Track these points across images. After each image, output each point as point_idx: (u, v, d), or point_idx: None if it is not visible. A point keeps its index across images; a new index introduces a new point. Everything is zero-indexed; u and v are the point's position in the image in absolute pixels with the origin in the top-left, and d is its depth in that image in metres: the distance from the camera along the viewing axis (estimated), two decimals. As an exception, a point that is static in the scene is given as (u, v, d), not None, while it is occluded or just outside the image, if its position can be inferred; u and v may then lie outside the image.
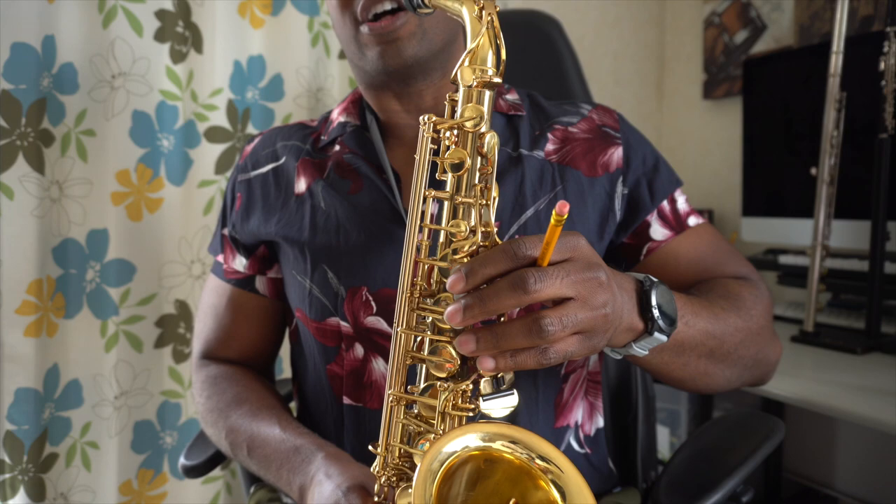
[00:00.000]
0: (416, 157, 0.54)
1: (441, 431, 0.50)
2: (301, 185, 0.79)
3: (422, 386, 0.52)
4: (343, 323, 0.73)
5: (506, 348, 0.47)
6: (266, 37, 1.32)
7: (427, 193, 0.53)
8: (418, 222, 0.53)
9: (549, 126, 0.79)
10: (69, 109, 1.11)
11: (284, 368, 1.35)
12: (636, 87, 2.05)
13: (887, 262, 1.22)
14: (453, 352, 0.50)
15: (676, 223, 0.78)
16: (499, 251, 0.47)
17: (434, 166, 0.54)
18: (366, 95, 0.82)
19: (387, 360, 0.72)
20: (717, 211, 1.89)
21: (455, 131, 0.52)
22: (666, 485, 0.77)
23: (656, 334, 0.56)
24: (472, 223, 0.51)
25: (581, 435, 0.78)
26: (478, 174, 0.52)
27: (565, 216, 0.43)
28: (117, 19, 1.14)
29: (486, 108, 0.52)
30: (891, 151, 1.18)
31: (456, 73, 0.53)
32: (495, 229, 0.51)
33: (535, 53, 1.14)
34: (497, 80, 0.52)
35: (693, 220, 0.79)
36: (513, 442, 0.47)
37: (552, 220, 0.44)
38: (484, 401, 0.49)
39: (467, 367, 0.51)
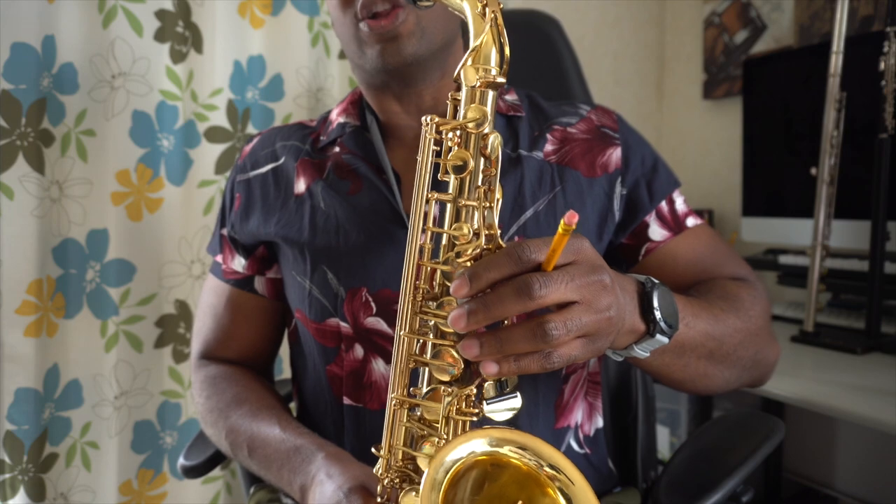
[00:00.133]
0: (419, 159, 0.53)
1: (445, 436, 0.50)
2: (300, 186, 0.79)
3: (425, 389, 0.52)
4: (343, 324, 0.73)
5: (510, 352, 0.47)
6: (266, 37, 1.32)
7: (430, 196, 0.52)
8: (421, 225, 0.53)
9: (549, 127, 0.79)
10: (69, 109, 1.11)
11: (284, 368, 1.35)
12: (636, 87, 2.05)
13: (887, 262, 1.22)
14: (456, 355, 0.49)
15: (675, 224, 0.78)
16: (503, 255, 0.47)
17: (436, 167, 0.53)
18: (366, 95, 0.82)
19: (386, 361, 0.72)
20: (717, 211, 1.89)
21: (458, 132, 0.52)
22: (666, 485, 0.77)
23: (658, 336, 0.55)
24: (476, 226, 0.50)
25: (581, 435, 0.78)
26: (481, 176, 0.51)
27: (573, 226, 0.43)
28: (117, 19, 1.14)
29: (489, 109, 0.51)
30: (891, 151, 1.18)
31: (459, 73, 0.52)
32: (499, 232, 0.50)
33: (535, 53, 1.14)
34: (501, 79, 0.52)
35: (691, 221, 0.79)
36: (521, 448, 0.47)
37: (560, 229, 0.44)
38: (487, 404, 0.49)
39: (470, 371, 0.50)
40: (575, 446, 0.77)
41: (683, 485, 0.76)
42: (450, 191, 0.51)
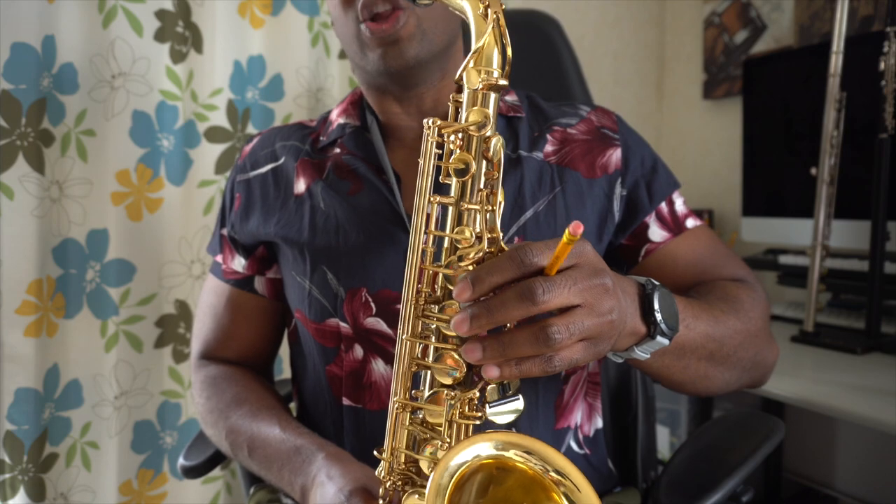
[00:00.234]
0: (420, 162, 0.53)
1: (448, 440, 0.50)
2: (300, 186, 0.79)
3: (427, 392, 0.52)
4: (342, 324, 0.73)
5: (512, 356, 0.47)
6: (266, 37, 1.32)
7: (432, 199, 0.52)
8: (423, 228, 0.53)
9: (548, 127, 0.79)
10: (69, 109, 1.11)
11: (284, 369, 1.35)
12: (636, 87, 2.05)
13: (887, 262, 1.22)
14: (458, 358, 0.49)
15: (675, 225, 0.78)
16: (506, 259, 0.47)
17: (438, 169, 0.53)
18: (366, 95, 0.82)
19: (386, 361, 0.72)
20: (717, 211, 1.89)
21: (460, 135, 0.51)
22: (666, 485, 0.77)
23: (658, 338, 0.55)
24: (478, 229, 0.50)
25: (580, 436, 0.78)
26: (483, 179, 0.51)
27: (578, 237, 0.43)
28: (117, 19, 1.14)
29: (491, 111, 0.51)
30: (891, 151, 1.18)
31: (461, 75, 0.52)
32: (501, 235, 0.50)
33: (535, 53, 1.14)
34: (503, 82, 0.51)
35: (691, 222, 0.79)
36: (527, 452, 0.47)
37: (564, 238, 0.44)
38: (490, 407, 0.49)
39: (472, 375, 0.50)
40: (575, 447, 0.77)
41: (683, 485, 0.76)
42: (452, 194, 0.51)
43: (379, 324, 0.72)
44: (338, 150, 0.80)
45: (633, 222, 0.77)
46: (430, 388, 0.52)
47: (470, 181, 0.51)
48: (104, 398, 1.18)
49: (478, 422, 0.50)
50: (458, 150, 0.51)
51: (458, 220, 0.51)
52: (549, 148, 0.77)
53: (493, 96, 0.51)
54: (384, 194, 0.74)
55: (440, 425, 0.50)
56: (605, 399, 0.98)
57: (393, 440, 0.53)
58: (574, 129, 0.79)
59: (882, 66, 1.17)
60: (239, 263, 0.84)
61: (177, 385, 1.26)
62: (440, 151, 0.53)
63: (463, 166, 0.50)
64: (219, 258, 0.86)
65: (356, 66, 0.78)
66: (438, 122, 0.52)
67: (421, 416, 0.52)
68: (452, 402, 0.49)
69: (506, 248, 0.49)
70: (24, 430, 1.06)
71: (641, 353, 0.57)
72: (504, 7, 0.53)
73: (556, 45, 1.14)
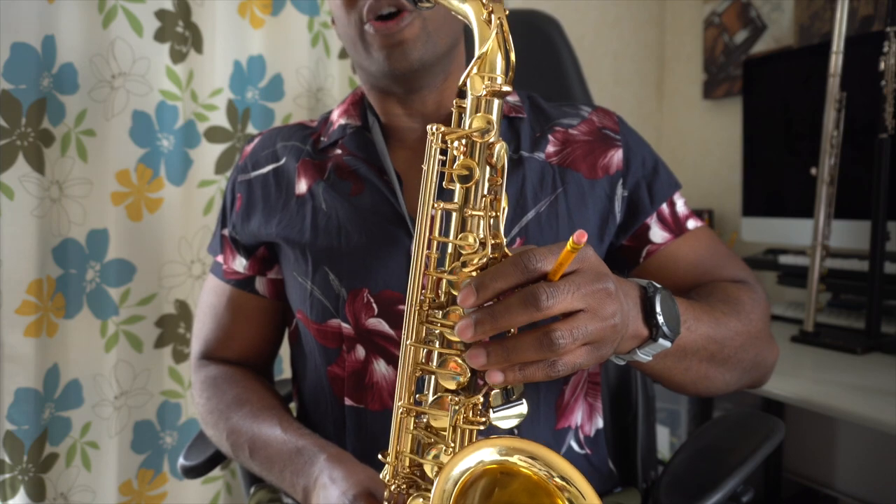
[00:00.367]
0: (424, 168, 0.53)
1: (452, 445, 0.50)
2: (302, 187, 0.79)
3: (431, 398, 0.52)
4: (344, 324, 0.73)
5: (516, 361, 0.47)
6: (266, 37, 1.32)
7: (436, 206, 0.52)
8: (427, 234, 0.53)
9: (550, 128, 0.79)
10: (69, 109, 1.11)
11: (284, 369, 1.35)
12: (636, 87, 2.05)
13: (887, 262, 1.22)
14: (463, 363, 0.49)
15: (676, 226, 0.78)
16: (509, 265, 0.47)
17: (441, 174, 0.53)
18: (368, 96, 0.82)
19: (388, 362, 0.72)
20: (717, 211, 1.89)
21: (463, 141, 0.51)
22: (666, 485, 0.77)
23: (660, 340, 0.56)
24: (482, 235, 0.50)
25: (581, 436, 0.78)
26: (487, 185, 0.51)
27: (581, 245, 0.44)
28: (117, 19, 1.14)
29: (494, 118, 0.51)
30: (891, 151, 1.18)
31: (465, 82, 0.52)
32: (505, 241, 0.50)
33: (535, 53, 1.14)
34: (507, 88, 0.51)
35: (692, 224, 0.79)
36: (531, 457, 0.47)
37: (568, 246, 0.44)
38: (494, 412, 0.49)
39: (476, 380, 0.50)
40: (575, 447, 0.77)
41: (684, 485, 0.76)
42: (455, 200, 0.51)
43: (381, 324, 0.72)
44: (339, 151, 0.80)
45: (635, 223, 0.77)
46: (435, 392, 0.52)
47: (474, 187, 0.51)
48: (104, 398, 1.18)
49: (482, 427, 0.50)
50: (461, 157, 0.51)
51: (462, 226, 0.51)
52: (550, 149, 0.77)
53: (496, 102, 0.51)
54: (385, 195, 0.74)
55: (444, 430, 0.50)
56: (605, 399, 0.98)
57: (397, 444, 0.53)
58: (575, 129, 0.79)
59: (882, 66, 1.17)
60: (240, 264, 0.84)
61: (177, 385, 1.26)
62: (444, 158, 0.53)
63: (466, 172, 0.50)
64: (219, 258, 0.86)
65: (359, 67, 0.78)
66: (442, 129, 0.52)
67: (425, 420, 0.52)
68: (457, 407, 0.49)
69: (510, 254, 0.49)
70: (24, 430, 1.06)
71: (643, 356, 0.57)
72: (508, 12, 0.53)
73: (557, 45, 1.14)
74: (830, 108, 1.25)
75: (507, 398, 0.50)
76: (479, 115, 0.51)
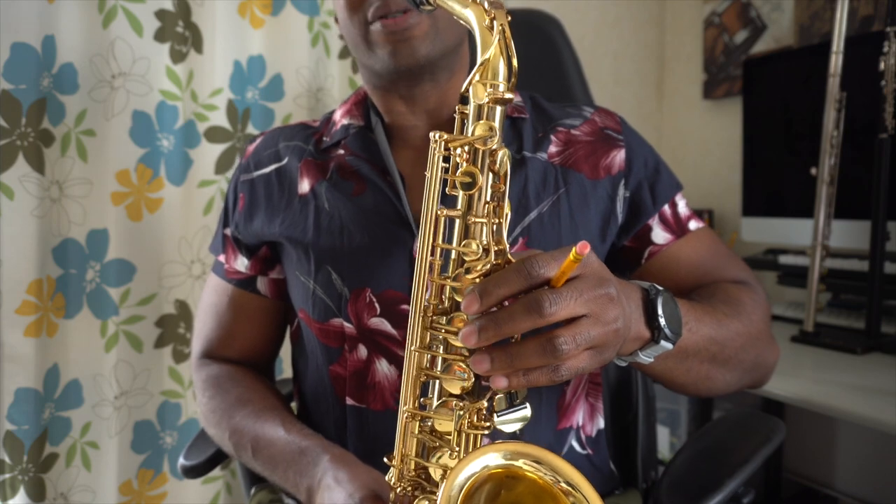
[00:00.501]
0: (427, 175, 0.54)
1: (457, 449, 0.50)
2: (304, 186, 0.79)
3: (436, 403, 0.52)
4: (347, 324, 0.73)
5: (520, 367, 0.47)
6: (266, 37, 1.32)
7: (439, 212, 0.53)
8: (431, 241, 0.53)
9: (552, 128, 0.79)
10: (69, 109, 1.11)
11: (285, 368, 1.35)
12: (636, 87, 2.05)
13: (887, 262, 1.22)
14: (466, 367, 0.50)
15: (677, 227, 0.78)
16: (513, 271, 0.47)
17: (444, 180, 0.53)
18: (371, 95, 0.81)
19: (390, 362, 0.72)
20: (717, 211, 1.89)
21: (466, 148, 0.52)
22: (667, 486, 0.77)
23: (662, 342, 0.56)
24: (485, 241, 0.50)
25: (582, 436, 0.78)
26: (490, 191, 0.51)
27: (584, 255, 0.44)
28: (117, 19, 1.14)
29: (497, 124, 0.51)
30: (891, 151, 1.18)
31: (468, 90, 0.52)
32: (508, 247, 0.51)
33: (536, 53, 1.14)
34: (510, 95, 0.51)
35: (693, 225, 0.79)
36: (536, 462, 0.47)
37: (571, 256, 0.45)
38: (498, 416, 0.50)
39: (480, 385, 0.51)
40: (577, 447, 0.77)
41: (684, 486, 0.76)
42: (458, 206, 0.51)
43: (383, 324, 0.72)
44: (341, 152, 0.80)
45: (637, 224, 0.77)
46: (439, 397, 0.52)
47: (476, 194, 0.51)
48: (104, 398, 1.18)
49: (486, 431, 0.50)
50: (464, 164, 0.51)
51: (465, 233, 0.51)
52: (552, 149, 0.77)
53: (499, 109, 0.51)
54: (388, 195, 0.74)
55: (449, 434, 0.51)
56: (606, 399, 0.98)
57: (403, 447, 0.54)
58: (578, 130, 0.79)
59: (882, 66, 1.17)
60: (242, 263, 0.84)
61: (177, 385, 1.26)
62: (447, 165, 0.53)
63: (469, 179, 0.50)
64: (221, 258, 0.86)
65: (362, 66, 0.78)
66: (445, 136, 0.53)
67: (430, 424, 0.53)
68: (461, 411, 0.50)
69: (513, 260, 0.49)
70: (24, 430, 1.06)
71: (645, 358, 0.58)
72: (510, 18, 0.53)
73: (557, 45, 1.14)
74: (830, 108, 1.25)
75: (511, 402, 0.50)
76: (481, 122, 0.51)
